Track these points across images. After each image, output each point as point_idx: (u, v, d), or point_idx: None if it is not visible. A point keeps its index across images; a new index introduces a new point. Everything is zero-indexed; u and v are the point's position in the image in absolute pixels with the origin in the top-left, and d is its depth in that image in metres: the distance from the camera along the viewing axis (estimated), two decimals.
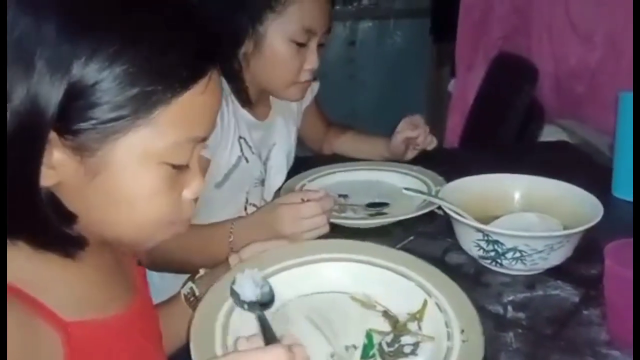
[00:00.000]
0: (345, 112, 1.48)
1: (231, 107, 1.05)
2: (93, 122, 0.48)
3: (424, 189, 1.09)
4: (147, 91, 0.49)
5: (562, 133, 1.62)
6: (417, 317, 0.67)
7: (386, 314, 0.69)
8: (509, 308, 0.78)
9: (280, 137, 1.21)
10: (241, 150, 1.07)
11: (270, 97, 1.17)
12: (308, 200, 0.87)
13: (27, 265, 0.52)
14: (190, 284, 0.79)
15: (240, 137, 1.07)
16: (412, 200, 1.08)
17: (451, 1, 2.12)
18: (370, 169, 1.23)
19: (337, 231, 0.99)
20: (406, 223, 1.00)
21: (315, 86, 1.29)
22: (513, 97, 1.69)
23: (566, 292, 0.81)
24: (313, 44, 1.03)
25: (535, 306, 0.78)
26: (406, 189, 1.03)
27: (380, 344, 0.64)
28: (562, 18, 1.71)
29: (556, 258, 0.81)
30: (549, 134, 1.62)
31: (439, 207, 1.00)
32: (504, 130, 1.67)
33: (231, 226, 0.91)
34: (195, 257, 0.93)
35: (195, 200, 0.59)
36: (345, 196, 1.13)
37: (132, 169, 0.52)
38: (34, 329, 0.49)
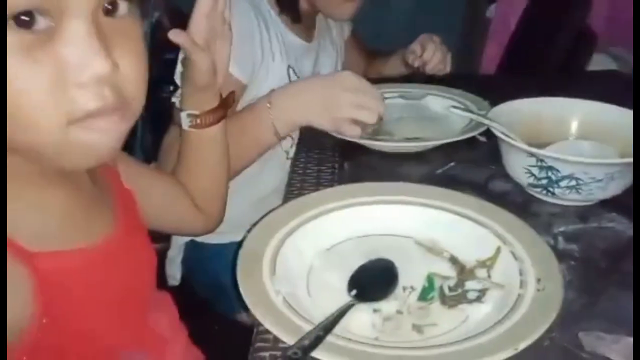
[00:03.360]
0: (369, 37, 1.40)
1: (278, 34, 1.01)
2: None
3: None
4: None
5: (613, 62, 1.50)
6: (487, 264, 0.63)
7: (453, 259, 0.65)
8: (560, 239, 0.72)
9: (326, 66, 1.18)
10: (289, 80, 1.04)
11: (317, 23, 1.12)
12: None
13: None
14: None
15: (289, 67, 1.04)
16: (451, 124, 1.01)
17: None
18: (407, 91, 1.15)
19: (370, 154, 0.93)
20: (446, 148, 0.93)
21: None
22: (561, 23, 1.57)
23: (622, 225, 0.75)
24: None
25: (589, 238, 0.72)
26: (453, 107, 0.95)
27: (441, 288, 0.60)
28: None
29: (614, 189, 0.75)
30: (598, 62, 1.51)
31: (482, 133, 0.93)
32: (549, 58, 1.56)
33: (268, 102, 0.86)
34: (237, 146, 0.85)
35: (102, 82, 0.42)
36: (380, 119, 1.06)
37: None
38: None
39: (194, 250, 1.16)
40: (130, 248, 0.60)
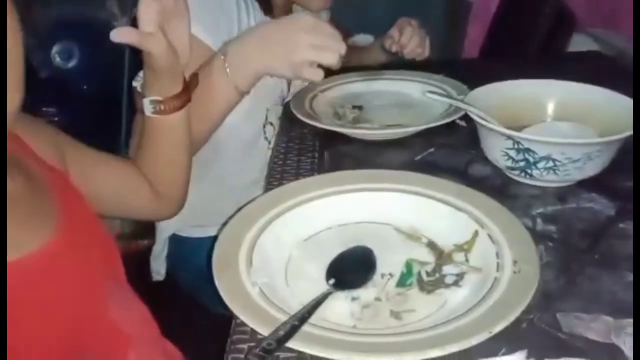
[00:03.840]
0: (351, 25, 1.39)
1: (252, 16, 0.97)
2: None
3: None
4: None
5: (593, 43, 1.50)
6: (464, 248, 0.63)
7: (431, 244, 0.65)
8: (539, 221, 0.72)
9: None
10: None
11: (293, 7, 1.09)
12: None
13: None
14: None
15: None
16: (431, 110, 1.01)
17: None
18: (387, 79, 1.14)
19: (350, 142, 0.93)
20: (425, 134, 0.93)
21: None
22: (540, 5, 1.56)
23: (600, 205, 0.75)
24: None
25: (567, 219, 0.72)
26: (430, 92, 0.95)
27: (419, 273, 0.60)
28: None
29: (592, 168, 0.75)
30: (578, 43, 1.51)
31: (461, 118, 0.93)
32: (529, 41, 1.56)
33: (223, 50, 0.81)
34: (198, 108, 0.81)
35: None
36: (360, 107, 1.05)
37: None
38: None
39: (177, 245, 1.15)
40: (77, 247, 0.56)
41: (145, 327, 0.66)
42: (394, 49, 1.16)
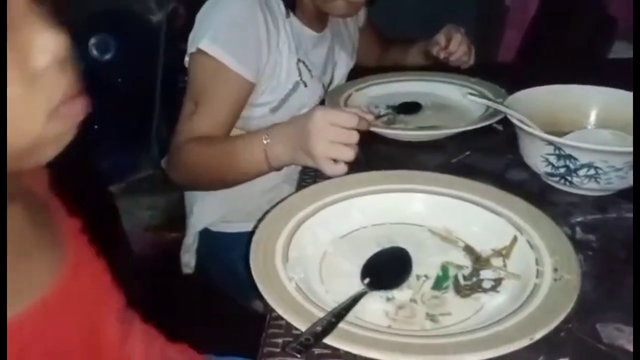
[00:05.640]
0: (383, 26, 1.38)
1: (287, 27, 0.99)
2: None
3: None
4: None
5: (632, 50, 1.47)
6: (503, 253, 0.62)
7: (468, 249, 0.64)
8: (578, 229, 0.71)
9: (341, 56, 1.17)
10: (300, 74, 1.02)
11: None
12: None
13: None
14: None
15: (299, 61, 1.02)
16: (467, 113, 1.00)
17: None
18: (422, 80, 1.13)
19: (385, 143, 0.93)
20: (462, 137, 0.92)
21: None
22: (581, 9, 1.53)
23: None
24: None
25: (607, 229, 0.71)
26: (470, 94, 0.94)
27: (456, 277, 0.60)
28: None
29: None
30: (620, 50, 1.48)
31: (499, 122, 0.92)
32: (568, 46, 1.53)
33: (265, 135, 0.84)
34: (225, 170, 0.89)
35: (63, 65, 0.38)
36: (395, 107, 1.05)
37: None
38: None
39: (207, 239, 1.16)
40: (83, 285, 0.51)
41: (150, 345, 0.63)
42: (441, 55, 1.15)
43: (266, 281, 0.54)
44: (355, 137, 0.76)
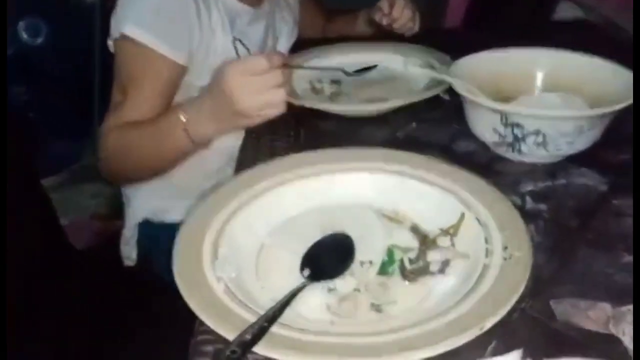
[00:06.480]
0: None
1: (220, 4, 0.92)
2: None
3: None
4: None
5: (578, 9, 1.45)
6: (450, 232, 0.58)
7: (415, 229, 0.60)
8: (528, 199, 0.68)
9: (283, 30, 1.11)
10: (237, 53, 0.95)
11: None
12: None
13: None
14: None
15: (235, 39, 0.95)
16: (413, 84, 0.95)
17: None
18: (366, 51, 1.08)
19: (330, 120, 0.87)
20: (407, 109, 0.87)
21: None
22: None
23: (593, 180, 0.71)
24: None
25: (558, 196, 0.68)
26: (411, 64, 0.89)
27: (402, 261, 0.55)
28: None
29: (583, 142, 0.70)
30: (563, 10, 1.46)
31: (445, 91, 0.88)
32: (513, 9, 1.50)
33: (182, 112, 0.77)
34: (148, 155, 0.84)
35: None
36: (338, 82, 0.99)
37: None
38: None
39: (148, 230, 1.09)
40: None
41: None
42: (384, 21, 1.10)
43: (190, 283, 0.48)
44: (278, 77, 0.69)
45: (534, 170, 0.73)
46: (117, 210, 1.19)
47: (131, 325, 0.89)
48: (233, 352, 0.41)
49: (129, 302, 0.97)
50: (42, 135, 1.89)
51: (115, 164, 0.89)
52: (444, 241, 0.58)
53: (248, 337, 0.42)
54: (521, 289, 0.48)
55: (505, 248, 0.52)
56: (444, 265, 0.55)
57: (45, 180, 1.28)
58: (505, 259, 0.51)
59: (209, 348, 0.47)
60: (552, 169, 0.73)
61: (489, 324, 0.44)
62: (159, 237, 1.08)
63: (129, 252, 1.12)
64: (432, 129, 0.84)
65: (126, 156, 0.86)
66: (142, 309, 0.87)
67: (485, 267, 0.51)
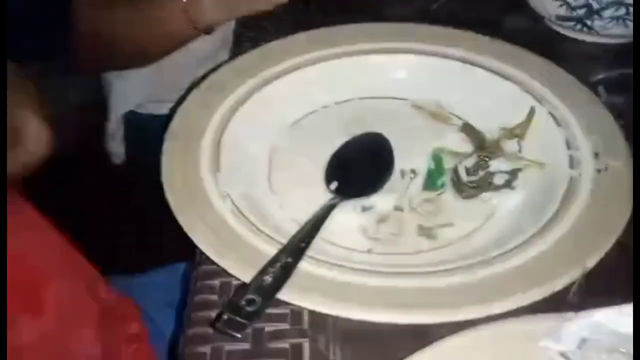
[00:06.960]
0: None
1: None
2: None
3: None
4: None
5: None
6: (516, 133, 0.46)
7: (467, 128, 0.48)
8: (601, 90, 0.55)
9: None
10: None
11: None
12: None
13: None
14: None
15: None
16: None
17: None
18: None
19: None
20: None
21: None
22: None
23: None
24: None
25: None
26: None
27: (455, 171, 0.43)
28: None
29: None
30: None
31: None
32: None
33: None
34: (136, 43, 0.77)
35: None
36: None
37: None
38: None
39: (135, 122, 1.00)
40: None
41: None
42: None
43: (186, 203, 0.37)
44: None
45: (606, 54, 0.60)
46: (104, 101, 1.11)
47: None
48: (250, 301, 0.29)
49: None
50: (23, 25, 1.75)
51: (91, 49, 0.82)
52: (509, 145, 0.46)
53: (268, 278, 0.31)
54: (629, 213, 0.36)
55: (597, 155, 0.40)
56: (512, 177, 0.43)
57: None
58: (598, 170, 0.39)
59: (215, 282, 0.36)
60: (630, 52, 0.59)
61: (592, 260, 0.33)
62: (144, 131, 0.99)
63: (117, 149, 1.03)
64: (475, 0, 0.70)
65: (107, 40, 0.78)
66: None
67: (572, 181, 0.39)
